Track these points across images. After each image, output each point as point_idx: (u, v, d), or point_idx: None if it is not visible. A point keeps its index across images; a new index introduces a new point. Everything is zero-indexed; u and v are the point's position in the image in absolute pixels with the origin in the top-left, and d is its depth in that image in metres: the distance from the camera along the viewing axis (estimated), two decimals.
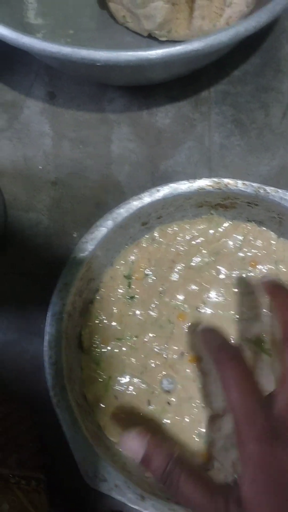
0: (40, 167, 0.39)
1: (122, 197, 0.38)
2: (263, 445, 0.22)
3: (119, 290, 0.34)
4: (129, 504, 0.26)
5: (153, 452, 0.24)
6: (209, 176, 0.38)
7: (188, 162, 0.39)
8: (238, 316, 0.33)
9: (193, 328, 0.32)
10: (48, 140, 0.40)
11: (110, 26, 0.42)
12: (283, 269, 0.34)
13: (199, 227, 0.35)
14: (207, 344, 0.28)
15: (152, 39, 0.42)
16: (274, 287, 0.29)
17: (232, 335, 0.33)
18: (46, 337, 0.29)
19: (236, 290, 0.34)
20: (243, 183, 0.31)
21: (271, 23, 0.38)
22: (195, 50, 0.29)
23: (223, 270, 0.34)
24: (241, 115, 0.40)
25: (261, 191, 0.31)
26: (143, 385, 0.31)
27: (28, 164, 0.39)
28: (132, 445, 0.25)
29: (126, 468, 0.28)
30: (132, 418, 0.31)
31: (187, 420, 0.31)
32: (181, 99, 0.40)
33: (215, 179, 0.32)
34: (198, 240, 0.35)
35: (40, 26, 0.42)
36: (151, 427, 0.31)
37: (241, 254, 0.34)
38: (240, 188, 0.31)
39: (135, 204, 0.31)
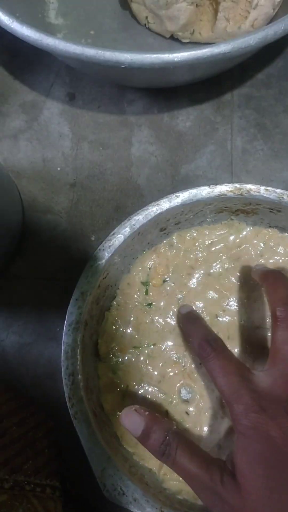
0: (58, 168, 0.38)
1: (142, 200, 0.37)
2: (251, 417, 0.23)
3: (136, 297, 0.33)
4: None
5: (152, 426, 0.25)
6: (230, 181, 0.37)
7: (210, 166, 0.38)
8: (257, 325, 0.32)
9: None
10: (67, 142, 0.39)
11: (132, 27, 0.42)
12: None
13: (218, 232, 0.34)
14: (189, 338, 0.30)
15: (175, 41, 0.41)
16: (264, 273, 0.29)
17: (252, 343, 0.32)
18: (63, 347, 0.28)
19: (256, 298, 0.33)
20: (266, 189, 0.31)
21: None
22: (222, 53, 0.29)
23: (243, 277, 0.33)
24: (264, 119, 0.39)
25: (285, 197, 0.31)
26: (160, 394, 0.31)
27: (47, 166, 0.39)
28: (131, 420, 0.25)
29: (143, 480, 0.27)
30: None
31: (206, 431, 0.30)
32: (203, 102, 0.39)
33: (237, 185, 0.31)
34: (218, 246, 0.34)
35: (61, 26, 0.42)
36: None
37: (262, 261, 0.34)
38: (263, 194, 0.31)
39: (154, 210, 0.31)
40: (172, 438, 0.24)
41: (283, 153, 0.38)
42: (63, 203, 0.38)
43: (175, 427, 0.26)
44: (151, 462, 0.29)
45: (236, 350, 0.32)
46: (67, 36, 0.42)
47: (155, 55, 0.29)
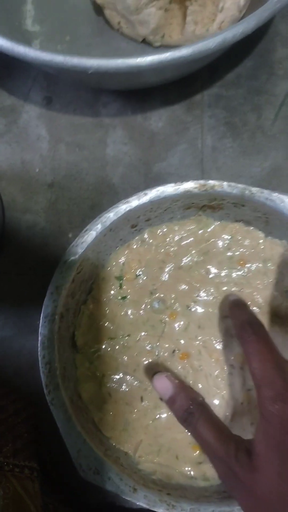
0: (37, 170, 0.40)
1: (116, 198, 0.39)
2: (279, 404, 0.24)
3: (111, 291, 0.35)
4: (122, 496, 0.27)
5: (179, 392, 0.28)
6: (201, 178, 0.39)
7: (181, 164, 0.40)
8: (224, 314, 0.34)
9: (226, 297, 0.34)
10: (45, 144, 0.41)
11: (106, 32, 0.43)
12: (271, 267, 0.34)
13: (188, 228, 0.35)
14: (234, 320, 0.31)
15: (147, 44, 0.43)
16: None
17: (222, 331, 0.34)
18: (40, 338, 0.30)
19: (225, 288, 0.34)
20: (229, 185, 0.32)
21: (260, 28, 0.39)
22: (183, 57, 0.30)
23: (212, 269, 0.35)
24: (233, 118, 0.40)
25: (247, 192, 0.32)
26: (136, 382, 0.33)
27: (25, 167, 0.40)
28: (163, 384, 0.28)
29: (119, 462, 0.29)
30: (126, 414, 0.32)
31: None
32: (175, 103, 0.41)
33: (201, 181, 0.32)
34: (187, 241, 0.35)
35: (37, 33, 0.43)
36: (144, 421, 0.32)
37: (229, 253, 0.35)
38: (226, 190, 0.32)
39: (123, 207, 0.32)
40: (195, 408, 0.27)
41: (251, 150, 0.39)
42: (42, 203, 0.39)
43: (201, 398, 0.28)
44: (126, 446, 0.31)
45: (206, 338, 0.34)
46: (43, 42, 0.43)
47: (120, 60, 0.30)
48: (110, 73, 0.31)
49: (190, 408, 0.27)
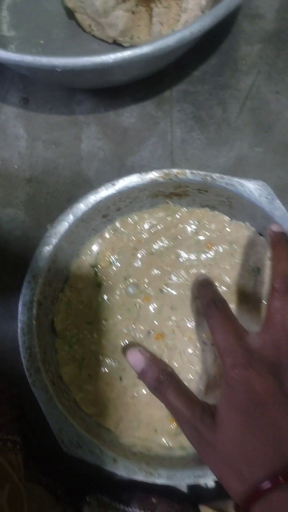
0: (16, 166, 0.42)
1: (92, 191, 0.41)
2: (238, 370, 0.26)
3: (87, 279, 0.36)
4: (103, 467, 0.28)
5: (150, 364, 0.30)
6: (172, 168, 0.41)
7: (152, 157, 0.42)
8: (196, 295, 0.36)
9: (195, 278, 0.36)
10: (22, 142, 0.43)
11: (78, 35, 0.46)
12: (237, 249, 0.36)
13: (157, 215, 0.37)
14: (201, 298, 0.32)
15: (117, 45, 0.45)
16: (274, 240, 0.31)
17: (193, 311, 0.36)
18: (19, 325, 0.31)
19: (195, 270, 0.36)
20: (191, 172, 0.34)
21: (224, 26, 0.42)
22: (145, 54, 0.33)
23: (182, 253, 0.37)
24: (200, 112, 0.43)
25: (208, 178, 0.34)
26: (114, 363, 0.34)
27: (4, 164, 0.42)
28: (135, 357, 0.30)
29: (100, 437, 0.31)
30: (106, 393, 0.34)
31: None
32: (145, 99, 0.43)
33: (165, 170, 0.34)
34: (157, 228, 0.37)
35: (13, 38, 0.46)
36: (123, 399, 0.34)
37: (197, 238, 0.37)
38: (188, 177, 0.34)
39: (93, 198, 0.34)
40: (165, 377, 0.29)
41: (217, 142, 0.42)
42: (21, 197, 0.41)
43: (170, 369, 0.30)
44: (107, 422, 0.33)
45: (179, 318, 0.35)
46: (19, 46, 0.45)
47: (86, 58, 0.32)
48: (78, 71, 0.33)
49: (160, 378, 0.29)
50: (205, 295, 0.32)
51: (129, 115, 0.43)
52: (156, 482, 0.29)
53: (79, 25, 0.46)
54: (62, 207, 0.40)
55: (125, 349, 0.35)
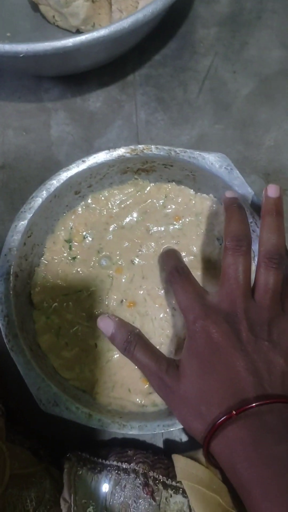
0: None
1: (64, 168, 0.42)
2: (199, 322, 0.28)
3: (62, 253, 0.38)
4: (78, 422, 0.30)
5: (119, 327, 0.32)
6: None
7: (119, 139, 0.44)
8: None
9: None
10: None
11: (43, 26, 0.48)
12: (202, 219, 0.39)
13: (126, 191, 0.39)
14: (165, 267, 0.35)
15: (74, 36, 0.47)
16: (227, 204, 0.33)
17: (163, 280, 0.38)
18: None
19: (164, 241, 0.39)
20: (156, 147, 0.36)
21: (180, 12, 0.44)
22: (102, 36, 0.35)
23: (151, 226, 0.39)
24: (163, 94, 0.45)
25: (172, 152, 0.36)
26: (89, 330, 0.36)
27: None
28: (105, 322, 0.32)
29: (76, 397, 0.33)
30: (82, 358, 0.36)
31: None
32: (109, 84, 0.45)
33: (132, 146, 0.36)
34: (127, 203, 0.39)
35: None
36: (99, 364, 0.36)
37: (165, 211, 0.39)
38: (154, 152, 0.36)
39: (65, 174, 0.36)
40: (132, 338, 0.31)
41: (180, 121, 0.44)
42: None
43: (137, 330, 0.32)
44: (84, 385, 0.35)
45: (150, 287, 0.38)
46: None
47: (46, 43, 0.34)
48: (40, 56, 0.35)
49: (128, 338, 0.31)
50: (168, 263, 0.34)
51: (95, 100, 0.45)
52: (128, 433, 0.31)
53: (43, 16, 0.47)
54: (35, 190, 0.43)
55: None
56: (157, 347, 0.36)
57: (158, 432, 0.31)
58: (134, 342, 0.31)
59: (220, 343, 0.27)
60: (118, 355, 0.36)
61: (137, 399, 0.35)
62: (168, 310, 0.37)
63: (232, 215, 0.31)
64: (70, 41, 0.34)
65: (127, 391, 0.35)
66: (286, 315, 0.29)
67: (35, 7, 0.48)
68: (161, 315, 0.37)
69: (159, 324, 0.37)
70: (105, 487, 0.30)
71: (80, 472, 0.31)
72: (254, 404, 0.25)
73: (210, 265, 0.38)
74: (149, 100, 0.45)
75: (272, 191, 0.31)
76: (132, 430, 0.31)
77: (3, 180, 0.43)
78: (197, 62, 0.46)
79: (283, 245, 0.30)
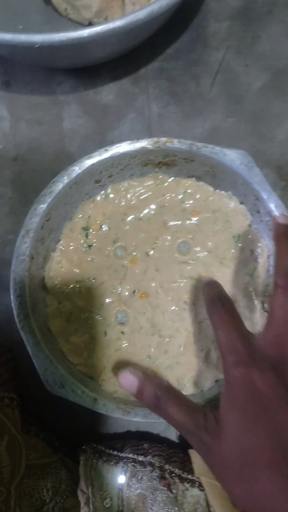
0: (0, 146, 0.44)
1: (86, 156, 0.42)
2: (241, 367, 0.25)
3: (78, 240, 0.38)
4: (84, 405, 0.30)
5: (145, 383, 0.28)
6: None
7: (131, 132, 0.44)
8: (179, 259, 0.38)
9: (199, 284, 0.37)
10: (6, 123, 0.44)
11: (55, 19, 0.48)
12: (219, 216, 0.38)
13: (146, 184, 0.39)
14: (205, 295, 0.31)
15: (90, 27, 0.47)
16: (279, 234, 0.30)
17: (176, 273, 0.38)
18: (12, 275, 0.33)
19: (179, 235, 0.38)
20: (178, 141, 0.36)
21: (192, 5, 0.44)
22: (117, 27, 0.35)
23: (168, 219, 0.39)
24: (175, 87, 0.45)
25: (194, 147, 0.36)
26: (100, 318, 0.36)
27: None
28: (127, 380, 0.28)
29: (83, 382, 0.32)
30: (91, 345, 0.36)
31: (138, 345, 0.36)
32: (122, 77, 0.45)
33: (155, 139, 0.36)
34: (146, 195, 0.39)
35: None
36: (107, 352, 0.35)
37: (183, 206, 0.39)
38: (176, 145, 0.36)
39: (87, 162, 0.36)
40: (162, 393, 0.27)
41: (192, 114, 0.44)
42: (8, 175, 0.43)
43: (166, 382, 0.28)
44: (91, 371, 0.35)
45: (163, 279, 0.37)
46: None
47: (62, 34, 0.34)
48: (56, 47, 0.35)
49: (158, 394, 0.27)
50: (210, 291, 0.31)
51: (108, 93, 0.45)
52: (132, 420, 0.30)
53: (55, 9, 0.47)
54: (47, 182, 0.42)
55: (111, 307, 0.37)
56: (166, 341, 0.36)
57: (162, 420, 0.30)
58: (165, 397, 0.27)
59: (266, 393, 0.24)
60: (127, 344, 0.36)
61: None
62: (179, 303, 0.37)
63: (285, 248, 0.28)
64: (85, 32, 0.34)
65: None
66: None
67: (47, 0, 0.48)
68: (172, 308, 0.37)
69: (169, 317, 0.37)
70: (121, 479, 0.30)
71: (96, 464, 0.31)
72: None
73: (225, 262, 0.38)
74: (161, 93, 0.45)
75: (283, 219, 0.30)
76: (136, 417, 0.30)
77: (15, 172, 0.43)
78: (209, 55, 0.46)
79: None
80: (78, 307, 0.36)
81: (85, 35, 0.34)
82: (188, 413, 0.26)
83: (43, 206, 0.34)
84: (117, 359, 0.35)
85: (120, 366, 0.35)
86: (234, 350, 0.26)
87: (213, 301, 0.29)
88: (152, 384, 0.27)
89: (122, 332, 0.36)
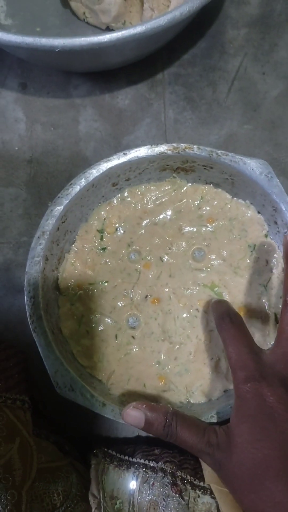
0: (16, 148, 0.44)
1: (104, 159, 0.42)
2: (251, 382, 0.25)
3: (93, 243, 0.38)
4: (92, 409, 0.30)
5: (152, 415, 0.27)
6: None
7: (147, 136, 0.44)
8: (193, 266, 0.38)
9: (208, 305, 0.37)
10: (22, 125, 0.45)
11: (73, 22, 0.48)
12: (236, 225, 0.38)
13: (163, 188, 0.39)
14: (215, 312, 0.32)
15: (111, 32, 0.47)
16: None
17: (190, 280, 0.37)
18: (26, 276, 0.33)
19: (195, 242, 0.38)
20: (198, 148, 0.36)
21: (211, 11, 0.44)
22: (138, 33, 0.35)
23: (184, 225, 0.39)
24: (191, 93, 0.45)
25: (214, 154, 0.36)
26: (111, 321, 0.36)
27: (5, 147, 0.44)
28: (133, 416, 0.28)
29: (92, 386, 0.32)
30: (101, 348, 0.36)
31: (148, 351, 0.36)
32: (139, 82, 0.45)
33: (174, 144, 0.36)
34: (163, 200, 0.39)
35: (10, 26, 0.47)
36: (117, 355, 0.35)
37: (200, 212, 0.39)
38: (196, 152, 0.36)
39: (105, 165, 0.36)
40: (171, 419, 0.27)
41: (208, 120, 0.44)
42: (23, 177, 0.43)
43: (171, 409, 0.28)
44: (100, 375, 0.35)
45: (176, 285, 0.37)
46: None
47: (83, 38, 0.34)
48: (76, 51, 0.35)
49: (167, 422, 0.27)
50: (219, 308, 0.31)
51: (124, 97, 0.45)
52: None
53: (73, 13, 0.48)
54: (62, 185, 0.42)
55: (123, 310, 0.36)
56: (177, 347, 0.36)
57: None
58: (174, 423, 0.27)
59: (275, 407, 0.25)
60: (137, 349, 0.36)
61: (152, 395, 0.35)
62: (191, 310, 0.37)
63: None
64: (106, 37, 0.34)
65: (142, 386, 0.35)
66: None
67: (65, 3, 0.48)
68: (184, 315, 0.37)
69: (181, 323, 0.37)
70: (132, 484, 0.30)
71: (108, 469, 0.31)
72: None
73: (239, 271, 0.37)
74: (177, 99, 0.45)
75: None
76: None
77: (30, 174, 0.43)
78: (226, 62, 0.46)
79: None
80: (90, 310, 0.36)
81: (105, 40, 0.34)
82: (200, 433, 0.26)
83: (59, 208, 0.34)
84: (127, 364, 0.35)
85: (130, 371, 0.35)
86: (245, 366, 0.26)
87: (222, 317, 0.30)
88: (159, 413, 0.27)
89: (133, 337, 0.36)
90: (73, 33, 0.47)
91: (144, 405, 0.28)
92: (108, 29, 0.47)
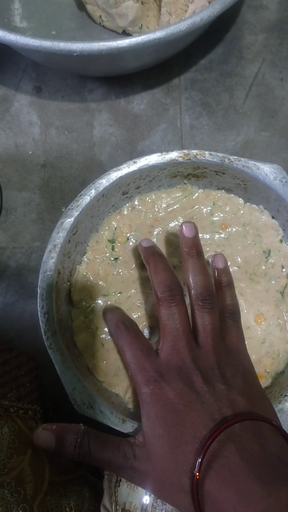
0: (30, 152, 0.43)
1: (114, 168, 0.42)
2: (151, 385, 0.26)
3: (104, 253, 0.38)
4: (112, 426, 0.29)
5: (62, 435, 0.27)
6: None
7: (162, 142, 0.43)
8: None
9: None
10: (36, 129, 0.44)
11: (89, 25, 0.47)
12: (250, 231, 0.38)
13: (174, 195, 0.39)
14: (108, 322, 0.33)
15: (127, 36, 0.46)
16: (145, 256, 0.33)
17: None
18: (39, 291, 0.33)
19: (208, 249, 0.38)
20: (210, 154, 0.35)
21: (229, 17, 0.44)
22: (158, 38, 0.34)
23: None
24: (208, 99, 0.44)
25: (226, 160, 0.35)
26: None
27: (19, 150, 0.44)
28: (42, 438, 0.27)
29: (110, 400, 0.32)
30: (117, 361, 0.35)
31: None
32: (155, 87, 0.45)
33: (185, 151, 0.36)
34: (174, 207, 0.38)
35: (25, 29, 0.47)
36: None
37: (212, 219, 0.38)
38: (207, 158, 0.35)
39: (115, 174, 0.35)
40: (82, 438, 0.26)
41: (225, 127, 0.43)
42: (36, 181, 0.43)
43: (83, 427, 0.27)
44: (117, 389, 0.34)
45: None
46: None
47: (101, 43, 0.34)
48: (94, 56, 0.35)
49: (78, 441, 0.27)
50: (113, 316, 0.33)
51: (139, 102, 0.45)
52: None
53: (89, 16, 0.47)
54: (76, 190, 0.42)
55: (137, 322, 0.36)
56: None
57: None
58: (86, 441, 0.26)
59: (179, 403, 0.25)
60: None
61: None
62: None
63: (155, 265, 0.31)
64: (125, 42, 0.34)
65: None
66: (230, 352, 0.29)
67: (81, 7, 0.47)
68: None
69: None
70: (145, 499, 0.30)
71: (120, 481, 0.30)
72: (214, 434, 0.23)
73: (255, 278, 0.37)
74: (194, 105, 0.44)
75: (187, 230, 0.31)
76: None
77: (44, 179, 0.43)
78: (243, 68, 0.45)
79: (210, 283, 0.30)
80: (104, 322, 0.36)
81: (125, 45, 0.34)
82: (115, 448, 0.26)
83: (70, 220, 0.34)
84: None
85: None
86: (143, 369, 0.27)
87: (117, 326, 0.31)
88: (70, 433, 0.27)
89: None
90: (88, 36, 0.47)
91: (54, 426, 0.27)
92: (124, 33, 0.46)
